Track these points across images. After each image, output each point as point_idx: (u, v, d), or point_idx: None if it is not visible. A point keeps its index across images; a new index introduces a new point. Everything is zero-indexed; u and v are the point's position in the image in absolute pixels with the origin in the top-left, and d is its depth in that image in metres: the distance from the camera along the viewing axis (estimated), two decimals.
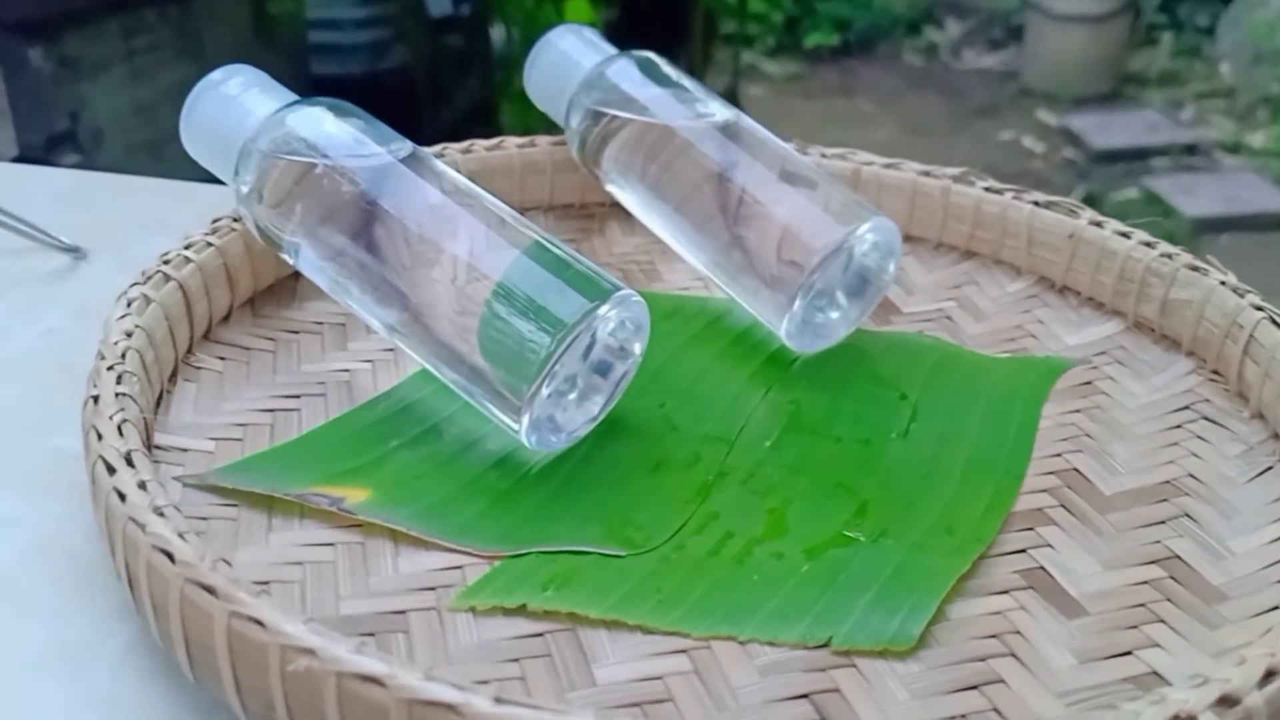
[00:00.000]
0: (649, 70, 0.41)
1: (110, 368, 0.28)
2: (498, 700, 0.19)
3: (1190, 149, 2.76)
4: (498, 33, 2.07)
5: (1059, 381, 0.36)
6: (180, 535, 0.22)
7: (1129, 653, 0.26)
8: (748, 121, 0.39)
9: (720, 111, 0.39)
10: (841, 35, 3.32)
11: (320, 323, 0.37)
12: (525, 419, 0.30)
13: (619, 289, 0.30)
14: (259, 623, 0.21)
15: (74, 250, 0.42)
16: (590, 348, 0.31)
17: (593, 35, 0.43)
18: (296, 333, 0.37)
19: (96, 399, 0.27)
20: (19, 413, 0.34)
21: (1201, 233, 2.34)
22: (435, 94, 1.97)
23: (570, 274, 0.30)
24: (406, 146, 0.34)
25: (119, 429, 0.26)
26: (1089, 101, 2.98)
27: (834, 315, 0.37)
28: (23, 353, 0.37)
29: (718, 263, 0.38)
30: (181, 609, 0.22)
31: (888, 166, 0.44)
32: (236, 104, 0.35)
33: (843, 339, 0.37)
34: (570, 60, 0.42)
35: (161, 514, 0.23)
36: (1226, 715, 0.20)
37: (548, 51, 0.42)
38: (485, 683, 0.21)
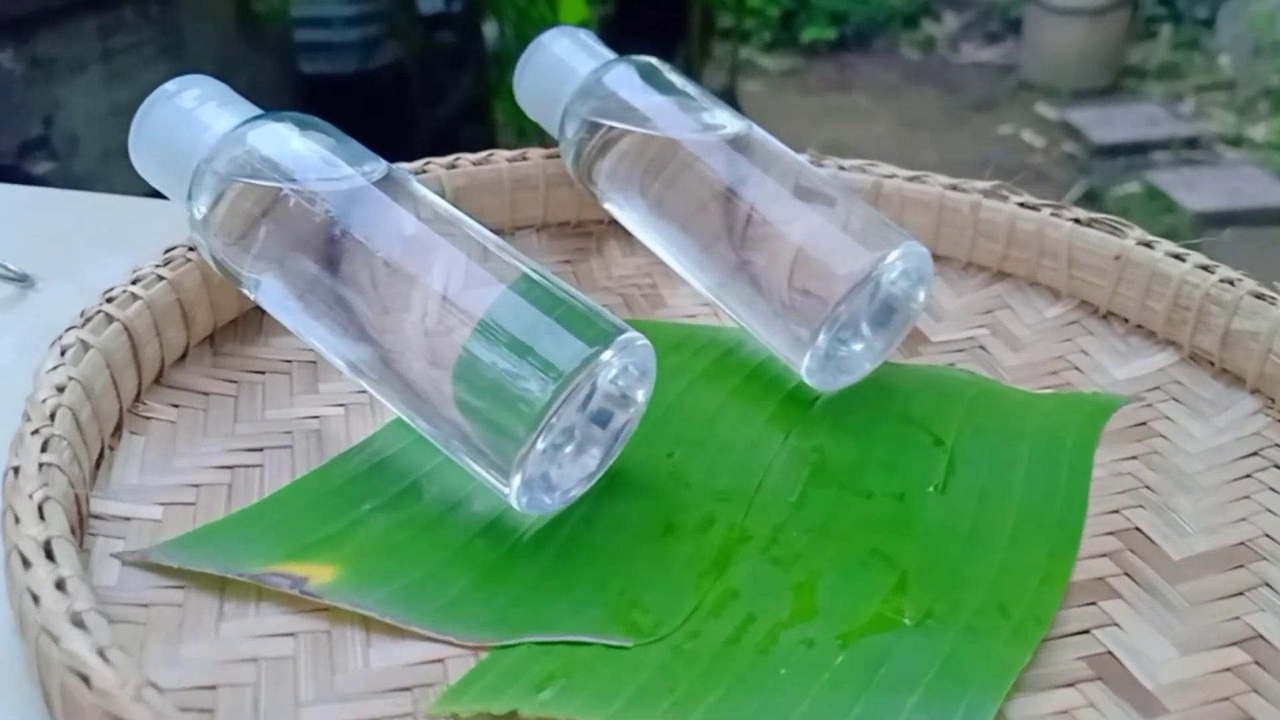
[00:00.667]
0: (651, 77, 0.37)
1: (35, 431, 0.24)
2: None
3: (1191, 142, 2.73)
4: (490, 29, 2.03)
5: (1109, 422, 0.33)
6: (101, 653, 0.19)
7: None
8: (760, 133, 0.36)
9: (730, 122, 0.35)
10: (838, 29, 3.28)
11: (289, 360, 0.33)
12: (516, 480, 0.26)
13: (622, 331, 0.27)
14: None
15: (21, 279, 0.38)
16: (589, 397, 0.27)
17: (589, 38, 0.39)
18: (262, 373, 0.33)
19: (17, 470, 0.23)
20: None
21: (1204, 227, 2.30)
22: (427, 92, 1.93)
23: (565, 313, 0.27)
24: (381, 167, 0.30)
25: (39, 510, 0.22)
26: (1088, 95, 2.95)
27: (857, 347, 0.33)
28: None
29: (729, 290, 0.34)
30: None
31: (912, 180, 0.40)
32: (192, 118, 0.31)
33: (868, 374, 0.34)
34: (564, 66, 0.38)
35: (81, 624, 0.20)
36: None
37: (540, 56, 0.38)
38: None
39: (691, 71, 1.70)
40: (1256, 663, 0.25)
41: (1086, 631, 0.25)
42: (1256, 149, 2.70)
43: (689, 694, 0.23)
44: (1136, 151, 2.67)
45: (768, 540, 0.27)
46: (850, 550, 0.27)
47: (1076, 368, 0.35)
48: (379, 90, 1.82)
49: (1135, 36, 3.15)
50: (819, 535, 0.28)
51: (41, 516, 0.22)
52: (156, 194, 0.45)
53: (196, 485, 0.28)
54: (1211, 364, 0.34)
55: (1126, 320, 0.36)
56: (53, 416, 0.25)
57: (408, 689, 0.23)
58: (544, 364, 0.26)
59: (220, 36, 1.20)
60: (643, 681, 0.23)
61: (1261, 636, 0.25)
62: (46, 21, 0.94)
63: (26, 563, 0.21)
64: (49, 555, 0.21)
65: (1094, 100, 2.92)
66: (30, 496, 0.22)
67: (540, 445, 0.26)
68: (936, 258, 0.39)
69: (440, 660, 0.24)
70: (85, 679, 0.18)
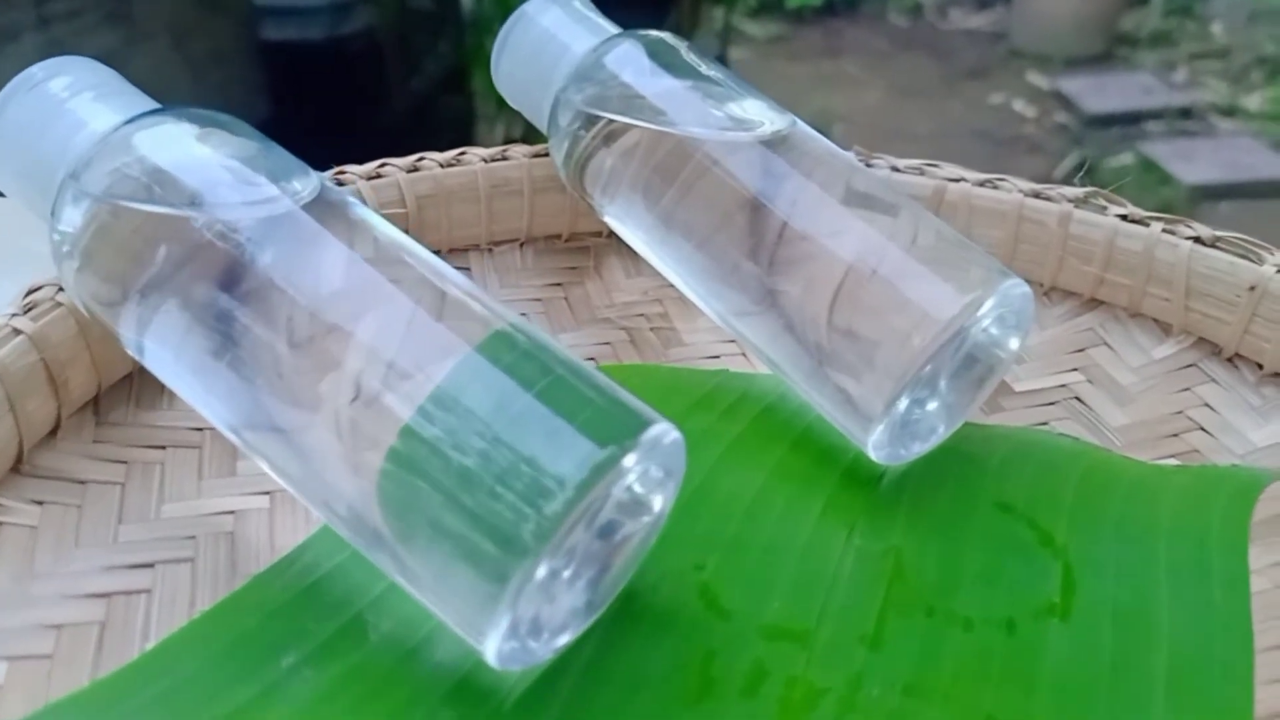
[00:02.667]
0: (664, 57, 0.29)
1: None
2: None
3: (1185, 112, 2.66)
4: None
5: (1257, 508, 0.25)
6: None
7: None
8: (804, 131, 0.28)
9: (767, 117, 0.28)
10: None
11: (199, 429, 0.26)
12: (495, 636, 0.19)
13: (648, 424, 0.19)
14: None
15: None
16: (595, 513, 0.20)
17: (584, 7, 0.31)
18: (163, 448, 0.25)
19: None
20: None
21: (1201, 200, 2.25)
22: (402, 61, 1.84)
23: (563, 394, 0.19)
24: (311, 184, 0.22)
25: None
26: (1080, 63, 2.88)
27: (931, 407, 0.26)
28: None
29: (770, 338, 0.27)
30: None
31: (983, 185, 0.32)
32: (63, 113, 0.23)
33: (944, 441, 0.26)
34: (555, 42, 0.30)
35: None
36: None
37: (524, 30, 0.31)
38: None
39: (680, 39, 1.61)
40: None
41: None
42: (1251, 119, 2.63)
43: None
44: (1130, 122, 2.61)
45: (842, 702, 0.20)
46: (958, 713, 0.20)
47: (1202, 428, 0.28)
48: (350, 59, 1.73)
49: (1127, 3, 3.08)
50: (911, 693, 0.20)
51: None
52: None
53: (57, 626, 0.21)
54: None
55: (1261, 366, 0.29)
56: None
57: None
58: (546, 474, 0.18)
59: (172, 2, 1.11)
60: None
61: None
62: None
63: None
64: None
65: (1086, 69, 2.85)
66: None
67: (533, 581, 0.18)
68: None
69: None
70: None
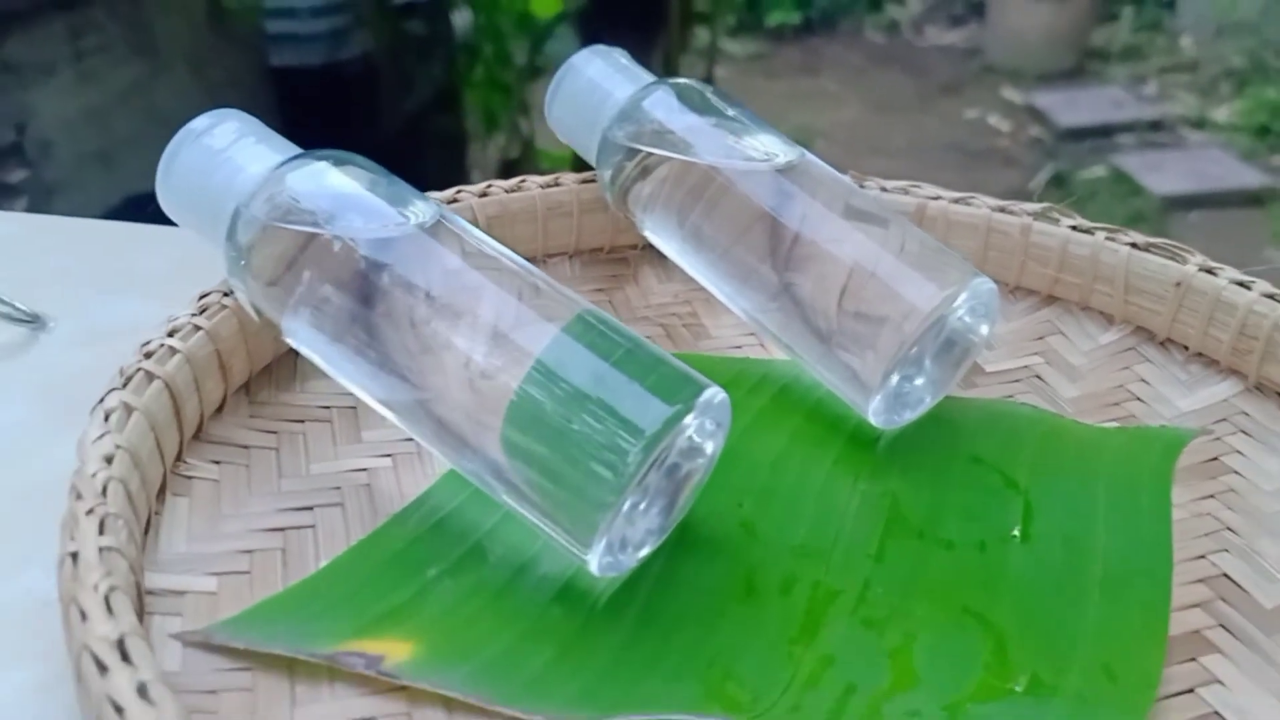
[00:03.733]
0: (690, 99, 0.36)
1: (90, 511, 0.23)
2: None
3: (1156, 125, 2.74)
4: (461, 18, 2.01)
5: (1181, 457, 0.32)
6: None
7: None
8: (812, 160, 0.34)
9: (779, 150, 0.34)
10: (803, 13, 3.27)
11: (327, 407, 0.32)
12: (599, 548, 0.25)
13: (703, 388, 0.25)
14: None
15: (33, 320, 0.36)
16: (665, 457, 0.26)
17: (625, 59, 0.38)
18: (301, 421, 0.31)
19: (75, 556, 0.22)
20: None
21: (1171, 210, 2.32)
22: (397, 83, 1.90)
23: (642, 367, 0.25)
24: (429, 210, 0.28)
25: (107, 603, 0.21)
26: (1053, 78, 2.96)
27: (919, 382, 0.32)
28: None
29: (785, 326, 0.33)
30: None
31: (957, 201, 0.39)
32: (225, 159, 0.29)
33: (929, 410, 0.32)
34: (599, 90, 0.36)
35: None
36: None
37: (573, 79, 0.37)
38: None
39: (671, 61, 1.68)
40: None
41: (1190, 691, 0.25)
42: (1219, 130, 2.72)
43: None
44: (1102, 135, 2.69)
45: (854, 599, 0.26)
46: (941, 609, 0.26)
47: (1138, 398, 0.34)
48: (348, 82, 1.79)
49: (1098, 18, 3.16)
50: (906, 592, 0.27)
51: (110, 610, 0.20)
52: (140, 218, 0.43)
53: (249, 551, 0.27)
54: (1270, 390, 0.34)
55: (1186, 348, 0.36)
56: (104, 491, 0.23)
57: None
58: (629, 427, 0.24)
59: (191, 32, 1.17)
60: None
61: None
62: (14, 23, 0.90)
63: (102, 666, 0.19)
64: (125, 657, 0.20)
65: (1059, 83, 2.93)
66: (95, 588, 0.21)
67: (622, 510, 0.25)
68: None
69: None
70: None
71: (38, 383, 0.34)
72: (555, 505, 0.25)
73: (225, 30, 1.29)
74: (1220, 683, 0.25)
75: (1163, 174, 2.49)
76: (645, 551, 0.27)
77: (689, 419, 0.25)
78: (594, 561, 0.25)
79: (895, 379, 0.30)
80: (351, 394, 0.29)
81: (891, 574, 0.27)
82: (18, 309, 0.36)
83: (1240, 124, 2.75)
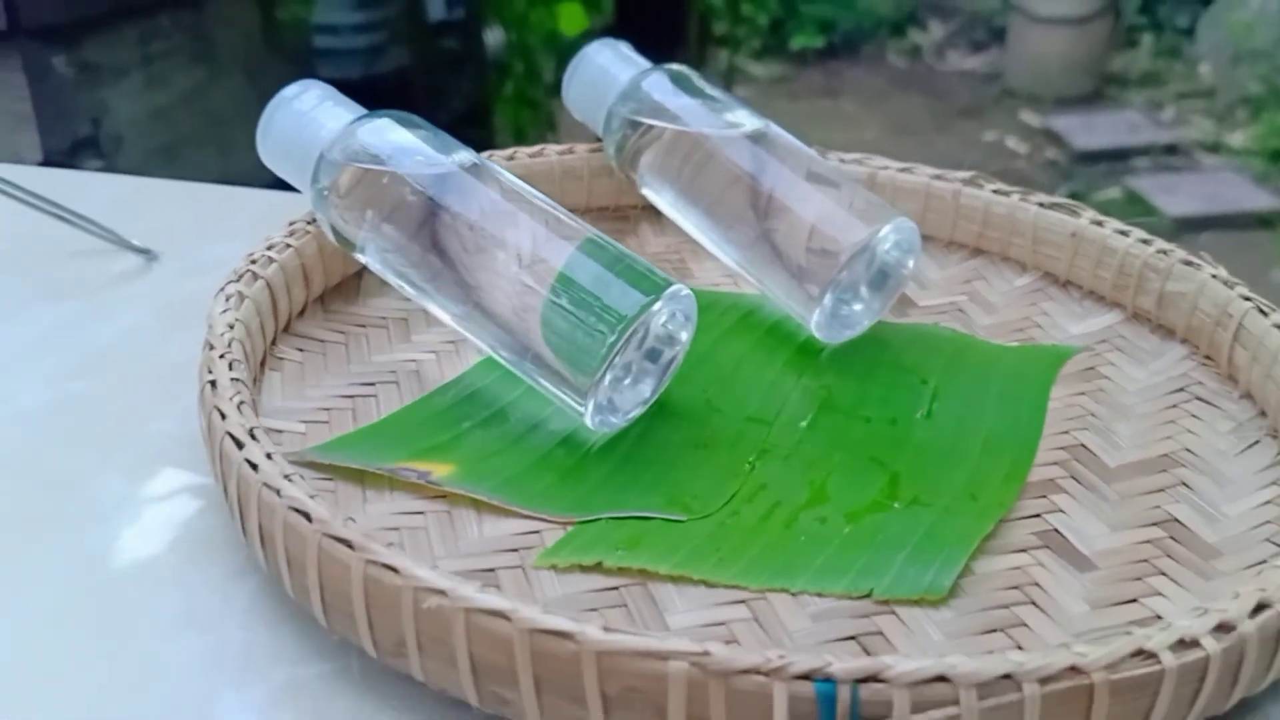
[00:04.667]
0: (681, 82, 0.44)
1: (222, 356, 0.31)
2: (605, 629, 0.22)
3: (1171, 149, 2.80)
4: (492, 36, 2.10)
5: (1065, 367, 0.40)
6: (311, 497, 0.26)
7: (1135, 600, 0.29)
8: (775, 129, 0.43)
9: (749, 120, 0.42)
10: (826, 37, 3.36)
11: (384, 317, 0.40)
12: (590, 404, 0.33)
13: (671, 284, 0.34)
14: (393, 569, 0.24)
15: (146, 252, 0.45)
16: (644, 337, 0.34)
17: (628, 50, 0.46)
18: (364, 326, 0.40)
19: (214, 384, 0.30)
20: (115, 402, 0.37)
21: (1183, 231, 2.38)
22: (430, 96, 2.00)
23: (624, 268, 0.34)
24: (468, 155, 0.37)
25: (239, 409, 0.29)
26: (1071, 102, 3.02)
27: (858, 308, 0.40)
28: (109, 348, 0.40)
29: (749, 259, 0.41)
30: (319, 561, 0.25)
31: (902, 171, 0.47)
32: (310, 118, 0.38)
33: (866, 330, 0.40)
34: (607, 74, 0.45)
35: (290, 479, 0.26)
36: (1223, 639, 0.24)
37: (585, 66, 0.45)
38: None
39: None
40: (1171, 537, 0.32)
41: (1038, 515, 0.32)
42: (1234, 154, 2.77)
43: (731, 553, 0.30)
44: (1117, 158, 2.75)
45: (788, 451, 0.34)
46: (854, 459, 0.34)
47: (1039, 325, 0.42)
48: (384, 95, 1.89)
49: (1117, 45, 3.23)
50: (828, 448, 0.35)
51: (240, 413, 0.29)
52: (227, 184, 0.52)
53: (327, 409, 0.35)
54: (1149, 320, 0.41)
55: (1081, 287, 0.44)
56: (230, 345, 0.32)
57: (515, 550, 0.30)
58: (612, 312, 0.33)
59: (246, 43, 1.27)
60: (695, 544, 0.30)
61: (1177, 520, 0.32)
62: (93, 29, 1.00)
63: (239, 443, 0.28)
64: (253, 437, 0.28)
65: (1077, 107, 3.00)
66: (230, 400, 0.29)
67: (608, 376, 0.33)
68: (923, 237, 0.47)
69: (537, 531, 0.31)
70: (306, 515, 0.25)
71: (152, 299, 0.43)
72: (564, 369, 0.33)
73: (277, 43, 1.38)
74: (1063, 511, 0.33)
75: (1176, 196, 2.55)
76: (632, 416, 0.35)
77: (658, 305, 0.33)
78: (588, 416, 0.33)
79: (829, 299, 0.38)
80: (404, 306, 0.37)
81: (818, 437, 0.35)
82: (134, 244, 0.45)
83: (1255, 148, 2.81)
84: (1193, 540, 0.31)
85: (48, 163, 0.96)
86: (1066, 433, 0.36)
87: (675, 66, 0.45)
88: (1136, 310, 0.42)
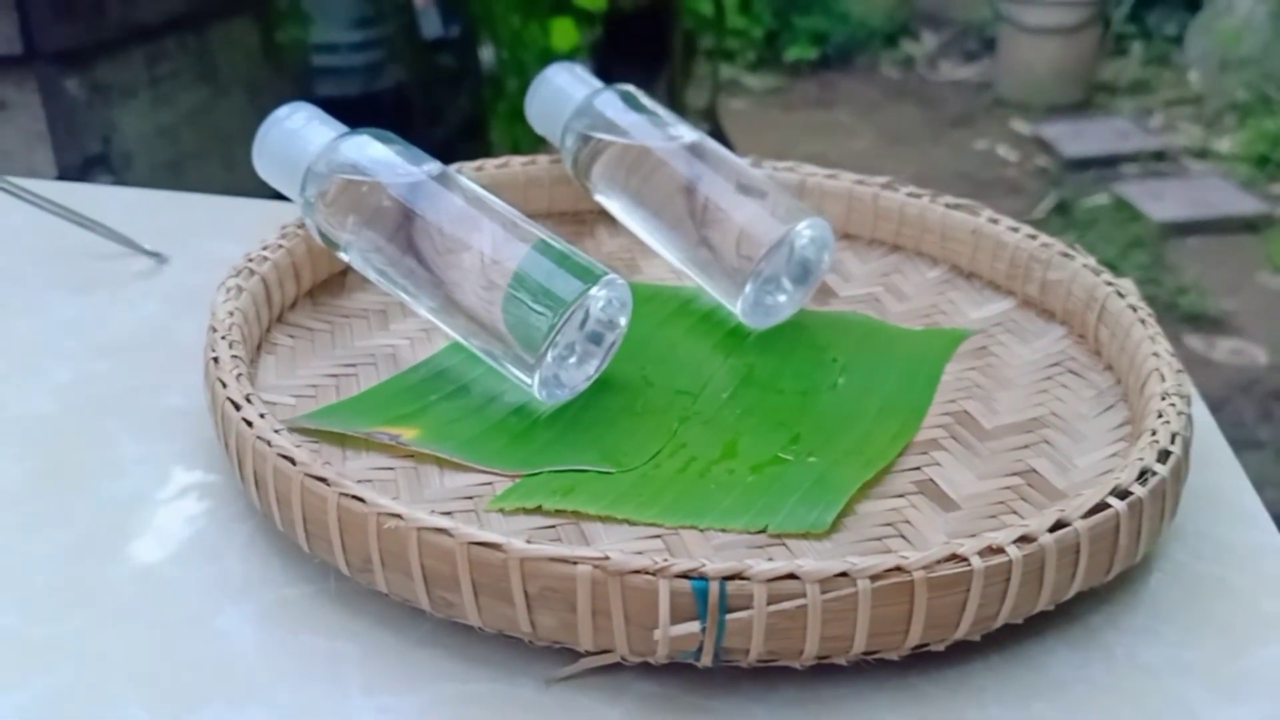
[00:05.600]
0: (629, 100, 0.50)
1: (223, 337, 0.37)
2: (528, 541, 0.28)
3: (1159, 155, 2.85)
4: (487, 52, 2.16)
5: (961, 347, 0.45)
6: (296, 446, 0.31)
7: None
8: (710, 142, 0.48)
9: (687, 134, 0.48)
10: (820, 49, 3.42)
11: (365, 309, 0.46)
12: (536, 377, 0.39)
13: (607, 274, 0.39)
14: (360, 499, 0.29)
15: (156, 255, 0.51)
16: (585, 320, 0.40)
17: (583, 72, 0.52)
18: (348, 317, 0.46)
19: (216, 359, 0.36)
20: (132, 379, 0.42)
21: (1169, 236, 2.43)
22: (428, 112, 2.06)
23: (569, 263, 0.39)
24: (436, 166, 0.43)
25: (236, 379, 0.35)
26: (1061, 110, 3.08)
27: (781, 298, 0.46)
28: (127, 334, 0.46)
29: (688, 257, 0.47)
30: (302, 497, 0.31)
31: (828, 177, 0.53)
32: (299, 135, 0.44)
33: (789, 317, 0.46)
34: (564, 93, 0.51)
35: (279, 433, 0.32)
36: (1025, 548, 0.29)
37: (545, 86, 0.51)
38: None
39: (675, 91, 1.83)
40: (1029, 485, 0.37)
41: (918, 468, 0.38)
42: (1222, 160, 2.83)
43: (651, 498, 0.36)
44: (1106, 164, 2.81)
45: (709, 418, 0.40)
46: (764, 422, 0.40)
47: (943, 312, 0.48)
48: (382, 111, 1.95)
49: (1106, 53, 3.29)
50: (744, 415, 0.40)
51: (239, 382, 0.35)
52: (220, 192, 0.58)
53: (314, 385, 0.41)
54: (1036, 306, 0.47)
55: (982, 278, 0.49)
56: (230, 329, 0.38)
57: (470, 498, 0.36)
58: (554, 297, 0.38)
59: (248, 64, 1.33)
60: (621, 491, 0.36)
61: (1035, 470, 0.38)
62: (104, 51, 1.06)
63: (237, 406, 0.34)
64: (249, 401, 0.34)
65: (1066, 115, 3.06)
66: (230, 372, 0.35)
67: (550, 355, 0.39)
68: (847, 235, 0.53)
69: (490, 484, 0.36)
70: (291, 460, 0.31)
71: (162, 293, 0.49)
72: (518, 348, 0.39)
73: (277, 63, 1.45)
74: (939, 465, 0.38)
75: (1163, 202, 2.61)
76: (578, 390, 0.40)
77: (595, 291, 0.39)
78: (535, 388, 0.39)
79: (750, 288, 0.44)
80: (383, 299, 0.43)
81: (736, 405, 0.41)
82: (145, 247, 0.51)
83: (1241, 154, 2.86)
84: (1044, 485, 0.37)
85: (62, 178, 1.02)
86: (954, 401, 0.42)
87: (624, 87, 0.51)
88: (1026, 298, 0.47)
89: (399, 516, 0.29)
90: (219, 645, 0.30)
